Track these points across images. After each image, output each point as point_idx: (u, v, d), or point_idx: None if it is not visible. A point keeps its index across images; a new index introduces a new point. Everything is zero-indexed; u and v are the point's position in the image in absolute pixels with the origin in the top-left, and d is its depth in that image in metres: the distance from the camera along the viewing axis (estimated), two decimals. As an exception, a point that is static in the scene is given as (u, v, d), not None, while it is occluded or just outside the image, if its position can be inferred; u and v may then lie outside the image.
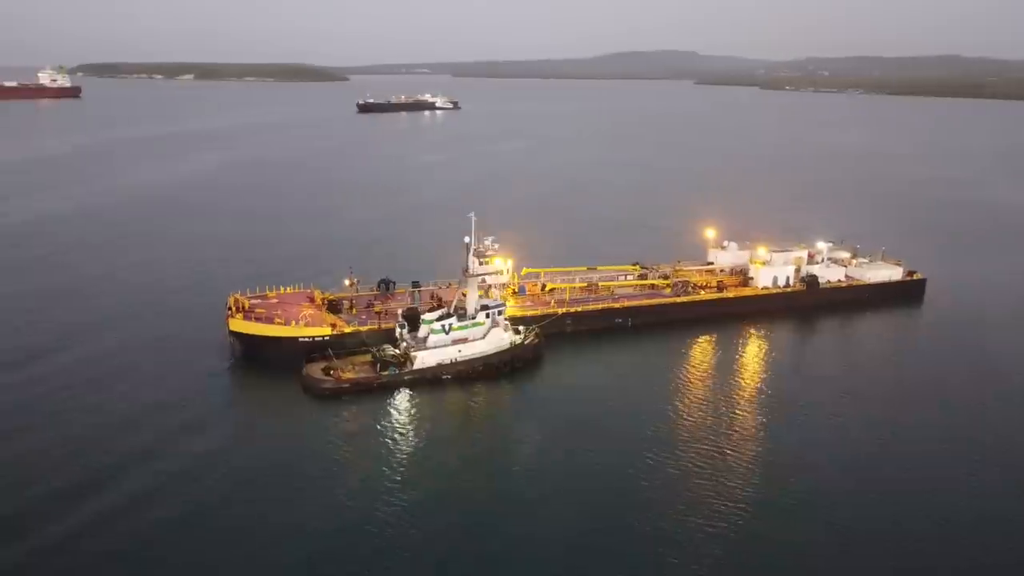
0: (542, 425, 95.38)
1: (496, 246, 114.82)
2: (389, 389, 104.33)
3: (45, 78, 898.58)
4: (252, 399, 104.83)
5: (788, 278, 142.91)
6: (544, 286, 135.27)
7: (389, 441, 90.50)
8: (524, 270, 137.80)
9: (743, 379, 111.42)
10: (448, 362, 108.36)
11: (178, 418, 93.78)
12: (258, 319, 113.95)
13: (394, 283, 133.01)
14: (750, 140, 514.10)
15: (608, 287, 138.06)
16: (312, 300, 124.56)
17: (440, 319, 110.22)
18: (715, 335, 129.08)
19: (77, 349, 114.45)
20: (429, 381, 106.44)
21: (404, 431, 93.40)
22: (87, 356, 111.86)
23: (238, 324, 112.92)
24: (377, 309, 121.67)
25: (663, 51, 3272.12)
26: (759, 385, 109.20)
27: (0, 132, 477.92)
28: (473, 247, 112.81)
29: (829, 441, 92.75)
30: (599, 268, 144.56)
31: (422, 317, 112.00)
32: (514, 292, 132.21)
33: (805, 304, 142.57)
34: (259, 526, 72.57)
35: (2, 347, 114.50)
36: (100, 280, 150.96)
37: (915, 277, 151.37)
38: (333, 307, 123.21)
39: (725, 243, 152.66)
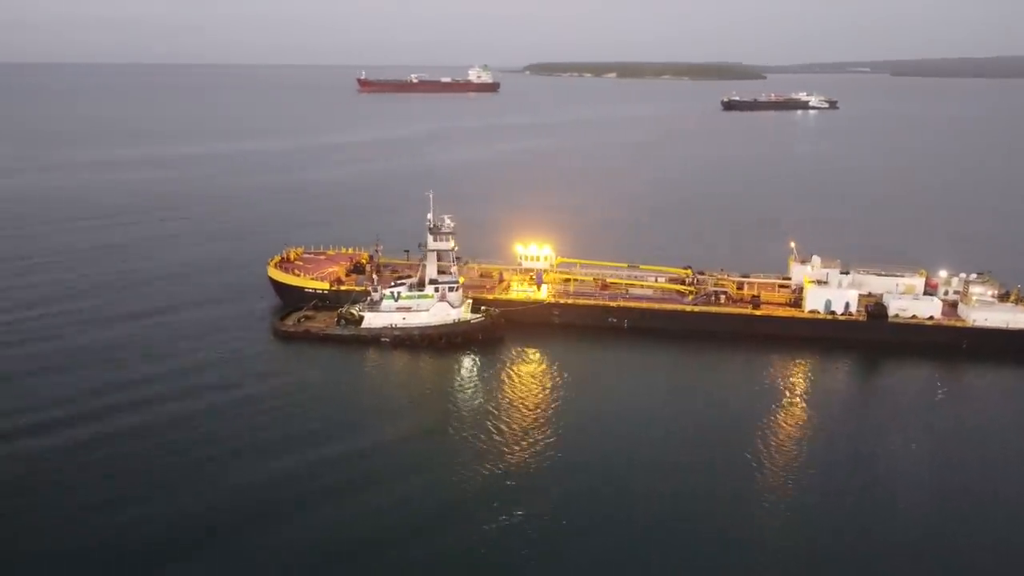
0: (432, 398, 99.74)
1: (452, 224, 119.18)
2: (334, 342, 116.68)
3: (473, 75, 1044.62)
4: (242, 328, 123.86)
5: (847, 304, 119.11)
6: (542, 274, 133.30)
7: (295, 379, 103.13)
8: (558, 259, 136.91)
9: (701, 401, 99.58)
10: (390, 327, 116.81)
11: (190, 334, 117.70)
12: (283, 269, 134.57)
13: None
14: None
15: (624, 285, 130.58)
16: (350, 261, 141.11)
17: (394, 286, 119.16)
18: (715, 352, 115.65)
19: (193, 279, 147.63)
20: (368, 341, 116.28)
21: (314, 376, 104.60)
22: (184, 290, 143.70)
23: (272, 272, 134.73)
24: (392, 275, 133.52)
25: None
26: (710, 414, 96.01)
27: (424, 115, 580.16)
28: (431, 224, 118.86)
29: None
30: (641, 267, 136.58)
31: (391, 284, 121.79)
32: (532, 279, 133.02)
33: (864, 339, 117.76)
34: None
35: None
36: (266, 227, 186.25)
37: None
38: (358, 269, 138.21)
39: (811, 258, 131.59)
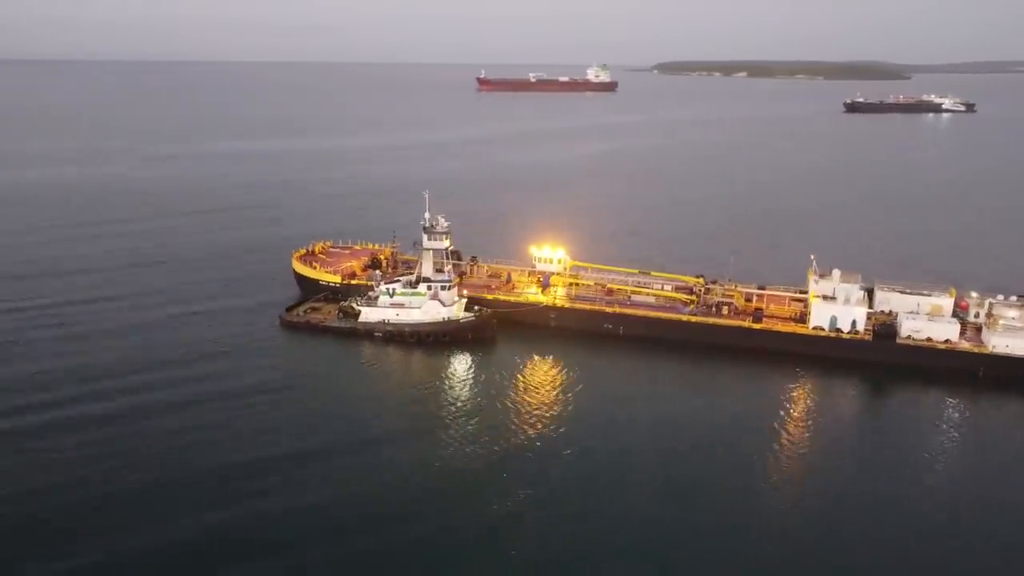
0: (399, 392, 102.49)
1: (446, 224, 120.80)
2: (332, 333, 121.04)
3: (591, 74, 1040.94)
4: (257, 316, 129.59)
5: (854, 321, 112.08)
6: (543, 277, 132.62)
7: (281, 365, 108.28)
8: (571, 263, 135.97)
9: (684, 410, 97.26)
10: (383, 322, 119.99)
11: (205, 315, 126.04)
12: (305, 262, 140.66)
13: (458, 253, 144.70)
14: None
15: (627, 291, 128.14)
16: (370, 256, 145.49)
17: (391, 283, 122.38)
18: (710, 364, 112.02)
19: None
20: (362, 335, 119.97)
21: (303, 366, 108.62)
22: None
23: (295, 264, 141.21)
24: (403, 272, 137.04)
25: None
26: (692, 423, 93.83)
27: (532, 115, 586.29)
28: (427, 223, 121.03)
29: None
30: (653, 273, 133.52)
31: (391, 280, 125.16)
32: (538, 281, 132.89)
33: (870, 360, 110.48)
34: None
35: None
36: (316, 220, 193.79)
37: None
38: (375, 264, 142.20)
39: (831, 272, 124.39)
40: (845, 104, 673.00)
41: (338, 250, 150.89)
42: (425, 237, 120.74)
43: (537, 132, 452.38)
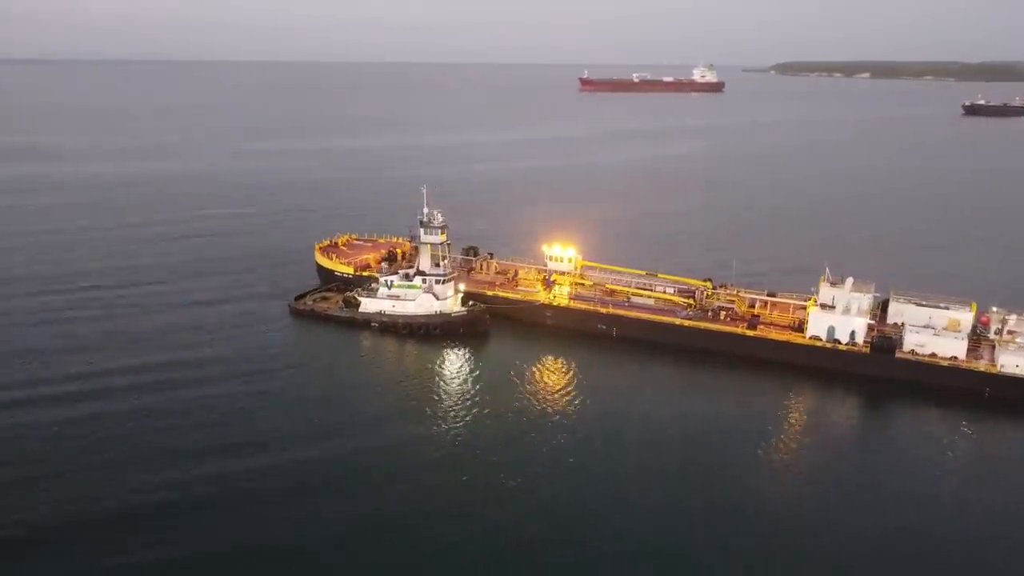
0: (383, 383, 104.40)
1: (441, 218, 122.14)
2: (333, 322, 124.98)
3: (697, 74, 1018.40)
4: (270, 303, 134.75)
5: (853, 332, 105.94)
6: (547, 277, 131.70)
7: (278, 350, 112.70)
8: (580, 263, 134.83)
9: (667, 414, 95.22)
10: (380, 312, 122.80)
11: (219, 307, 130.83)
12: (326, 254, 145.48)
13: (475, 249, 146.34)
14: None
15: (627, 293, 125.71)
16: (388, 249, 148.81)
17: (389, 275, 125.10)
18: (699, 369, 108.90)
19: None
20: (361, 325, 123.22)
21: (297, 353, 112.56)
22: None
23: (317, 255, 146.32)
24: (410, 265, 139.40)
25: None
26: (673, 428, 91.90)
27: (627, 115, 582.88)
28: (424, 218, 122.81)
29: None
30: (660, 275, 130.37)
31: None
32: (543, 280, 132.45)
33: (868, 374, 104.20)
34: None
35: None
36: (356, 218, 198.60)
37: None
38: (391, 257, 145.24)
39: (843, 280, 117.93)
40: (964, 107, 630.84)
41: (360, 243, 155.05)
42: (422, 231, 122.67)
43: (622, 133, 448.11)
